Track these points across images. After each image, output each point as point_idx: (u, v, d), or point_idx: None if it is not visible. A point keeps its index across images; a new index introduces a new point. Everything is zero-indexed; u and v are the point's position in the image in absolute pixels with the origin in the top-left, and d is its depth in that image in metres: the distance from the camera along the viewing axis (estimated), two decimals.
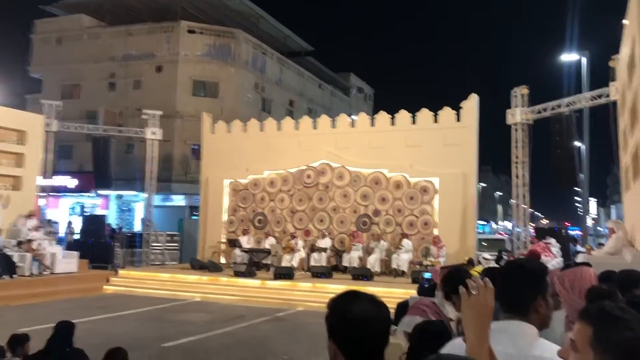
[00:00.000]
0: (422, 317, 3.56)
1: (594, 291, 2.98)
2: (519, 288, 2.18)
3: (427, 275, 12.09)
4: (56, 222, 26.80)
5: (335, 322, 1.69)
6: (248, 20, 33.93)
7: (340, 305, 1.72)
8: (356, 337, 1.66)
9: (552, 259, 11.15)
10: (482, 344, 1.79)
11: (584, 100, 16.17)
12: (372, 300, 1.73)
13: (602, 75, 15.68)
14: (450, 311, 3.53)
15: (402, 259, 17.31)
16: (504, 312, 2.16)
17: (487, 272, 3.37)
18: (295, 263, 18.03)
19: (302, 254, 18.55)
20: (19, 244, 16.08)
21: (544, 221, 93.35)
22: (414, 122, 18.80)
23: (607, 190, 68.54)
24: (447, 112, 18.34)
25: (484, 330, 1.80)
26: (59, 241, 21.11)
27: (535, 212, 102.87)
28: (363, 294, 1.76)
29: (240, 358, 9.17)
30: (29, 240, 16.26)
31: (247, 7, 32.99)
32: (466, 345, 1.83)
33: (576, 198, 51.09)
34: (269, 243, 19.20)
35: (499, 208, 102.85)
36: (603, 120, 15.22)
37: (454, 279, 3.31)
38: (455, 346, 2.08)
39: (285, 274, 16.28)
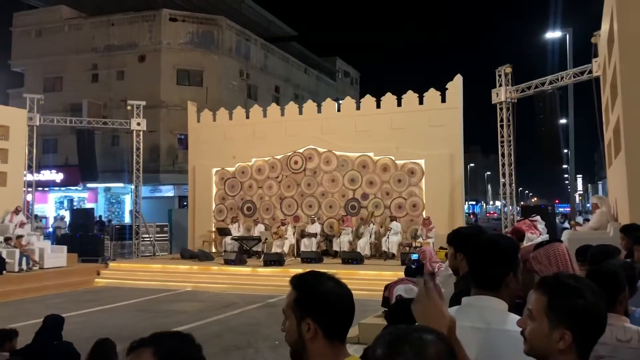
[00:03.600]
0: (413, 285, 3.71)
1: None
2: (493, 264, 2.21)
3: (414, 256, 12.19)
4: (45, 217, 26.71)
5: (311, 299, 1.68)
6: (230, 6, 33.63)
7: (312, 281, 1.72)
8: (336, 312, 1.68)
9: (538, 236, 11.27)
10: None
11: (568, 77, 16.25)
12: (335, 278, 1.75)
13: (585, 52, 15.75)
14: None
15: (392, 242, 17.41)
16: (475, 287, 2.20)
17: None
18: (285, 249, 18.09)
19: (291, 240, 18.60)
20: (7, 240, 16.00)
21: (534, 199, 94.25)
22: (399, 105, 18.83)
23: (594, 166, 69.15)
24: (432, 94, 18.38)
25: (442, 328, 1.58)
26: (48, 236, 21.03)
27: (526, 191, 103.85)
28: (325, 273, 1.77)
29: (232, 345, 9.24)
30: (18, 237, 16.19)
31: None
32: None
33: (565, 176, 51.52)
34: (258, 230, 19.23)
35: (489, 188, 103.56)
36: (588, 96, 15.33)
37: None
38: None
39: (275, 260, 16.33)
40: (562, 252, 3.25)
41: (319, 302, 1.67)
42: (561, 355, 1.55)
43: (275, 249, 17.94)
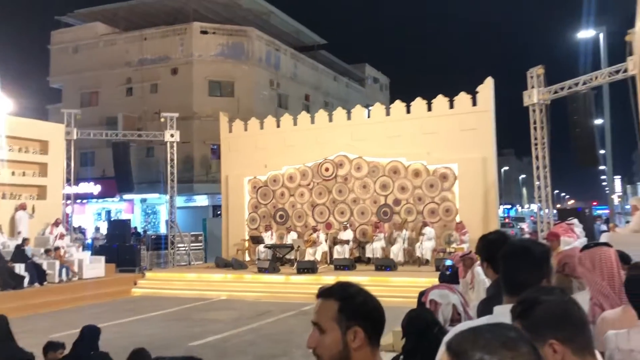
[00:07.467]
0: (449, 290, 3.69)
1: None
2: (526, 271, 2.17)
3: (448, 262, 12.03)
4: (84, 229, 27.35)
5: (356, 306, 1.69)
6: (259, 17, 33.98)
7: (350, 290, 1.74)
8: (377, 318, 1.72)
9: (576, 240, 10.98)
10: None
11: (602, 76, 15.89)
12: (362, 287, 1.80)
13: (620, 50, 15.39)
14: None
15: (425, 247, 17.25)
16: (508, 295, 2.15)
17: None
18: (318, 257, 18.10)
19: (324, 247, 18.60)
20: (47, 251, 16.44)
21: (571, 202, 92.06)
22: (429, 109, 18.70)
23: (633, 166, 67.25)
24: (462, 97, 18.19)
25: None
26: (87, 247, 21.53)
27: (562, 194, 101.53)
28: (354, 283, 1.82)
29: (267, 353, 9.28)
30: (57, 248, 16.62)
31: (257, 4, 33.01)
32: None
33: (603, 177, 50.22)
34: (291, 238, 19.29)
35: (524, 191, 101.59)
36: (624, 96, 14.94)
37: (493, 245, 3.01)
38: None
39: (308, 268, 16.35)
40: (609, 257, 3.09)
41: (363, 309, 1.70)
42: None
43: (308, 257, 17.96)
